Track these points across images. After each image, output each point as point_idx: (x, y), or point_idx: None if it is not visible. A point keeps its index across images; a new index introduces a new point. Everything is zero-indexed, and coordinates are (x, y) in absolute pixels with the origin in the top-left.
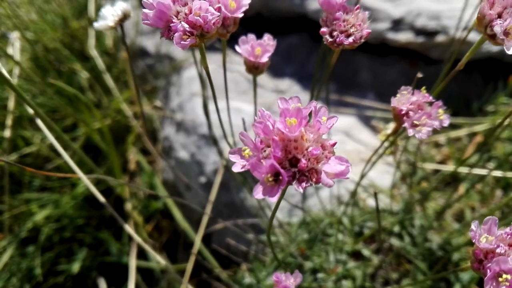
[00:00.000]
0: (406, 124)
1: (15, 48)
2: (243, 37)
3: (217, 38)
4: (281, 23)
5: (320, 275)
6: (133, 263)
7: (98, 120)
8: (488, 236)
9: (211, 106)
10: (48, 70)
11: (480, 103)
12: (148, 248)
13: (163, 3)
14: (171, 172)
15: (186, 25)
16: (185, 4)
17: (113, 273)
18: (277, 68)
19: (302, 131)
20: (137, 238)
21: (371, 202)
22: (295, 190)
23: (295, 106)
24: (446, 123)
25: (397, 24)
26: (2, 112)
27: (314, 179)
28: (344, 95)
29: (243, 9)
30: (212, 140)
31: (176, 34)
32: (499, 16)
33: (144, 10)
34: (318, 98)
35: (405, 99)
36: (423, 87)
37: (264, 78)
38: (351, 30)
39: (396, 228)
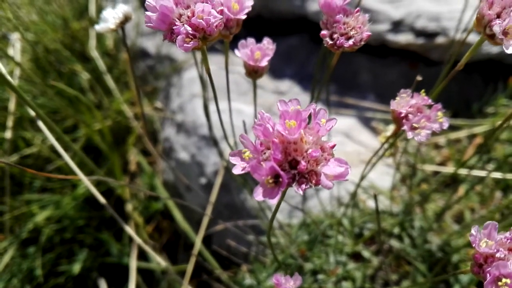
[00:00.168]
0: (405, 127)
1: (15, 49)
2: (242, 41)
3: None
4: (281, 24)
5: (320, 277)
6: (133, 264)
7: (98, 121)
8: (488, 240)
9: (212, 107)
10: (49, 71)
11: (480, 104)
12: (148, 249)
13: (166, 6)
14: (172, 173)
15: (189, 28)
16: (188, 7)
17: (114, 274)
18: (277, 69)
19: (302, 133)
20: (138, 239)
21: (371, 203)
22: (295, 192)
23: (294, 108)
24: (445, 126)
25: (397, 26)
26: (3, 113)
27: (313, 181)
28: (344, 96)
29: (246, 10)
30: (212, 141)
31: (179, 37)
32: (498, 16)
33: (147, 12)
34: (318, 99)
35: (404, 102)
36: (422, 90)
37: (264, 79)
38: (351, 33)
39: (396, 230)
